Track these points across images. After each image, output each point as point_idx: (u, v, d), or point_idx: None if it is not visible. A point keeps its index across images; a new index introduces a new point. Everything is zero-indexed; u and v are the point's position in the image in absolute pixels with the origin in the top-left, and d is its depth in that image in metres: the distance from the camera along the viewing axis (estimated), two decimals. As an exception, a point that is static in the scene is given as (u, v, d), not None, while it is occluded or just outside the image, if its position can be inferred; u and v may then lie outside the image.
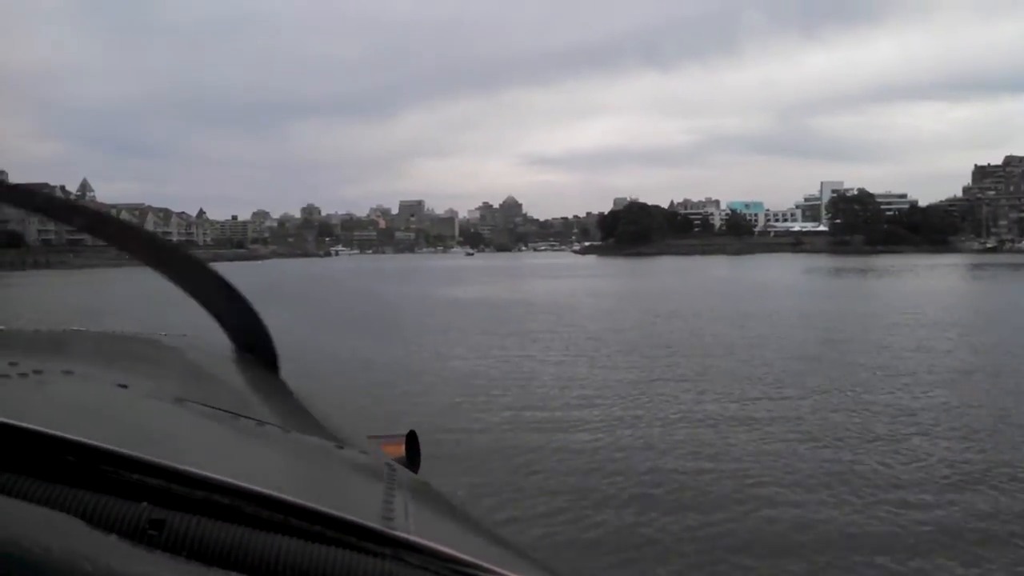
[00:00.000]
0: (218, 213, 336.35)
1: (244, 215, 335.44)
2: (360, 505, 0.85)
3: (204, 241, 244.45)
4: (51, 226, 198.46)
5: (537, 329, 35.56)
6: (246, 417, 1.23)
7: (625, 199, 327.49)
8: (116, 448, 0.75)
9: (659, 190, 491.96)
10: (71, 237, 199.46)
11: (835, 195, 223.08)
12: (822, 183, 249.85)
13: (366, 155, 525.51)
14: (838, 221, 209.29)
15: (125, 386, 1.18)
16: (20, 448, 0.74)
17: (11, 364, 1.11)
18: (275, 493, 0.74)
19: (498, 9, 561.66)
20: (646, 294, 57.97)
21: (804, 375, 22.80)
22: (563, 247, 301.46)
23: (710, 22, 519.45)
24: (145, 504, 0.71)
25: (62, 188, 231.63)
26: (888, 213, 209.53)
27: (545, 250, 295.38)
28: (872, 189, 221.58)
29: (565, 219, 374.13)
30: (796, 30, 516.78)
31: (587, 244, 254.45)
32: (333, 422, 1.67)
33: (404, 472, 1.25)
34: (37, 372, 1.10)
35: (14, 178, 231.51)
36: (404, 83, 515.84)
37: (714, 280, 77.07)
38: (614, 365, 25.57)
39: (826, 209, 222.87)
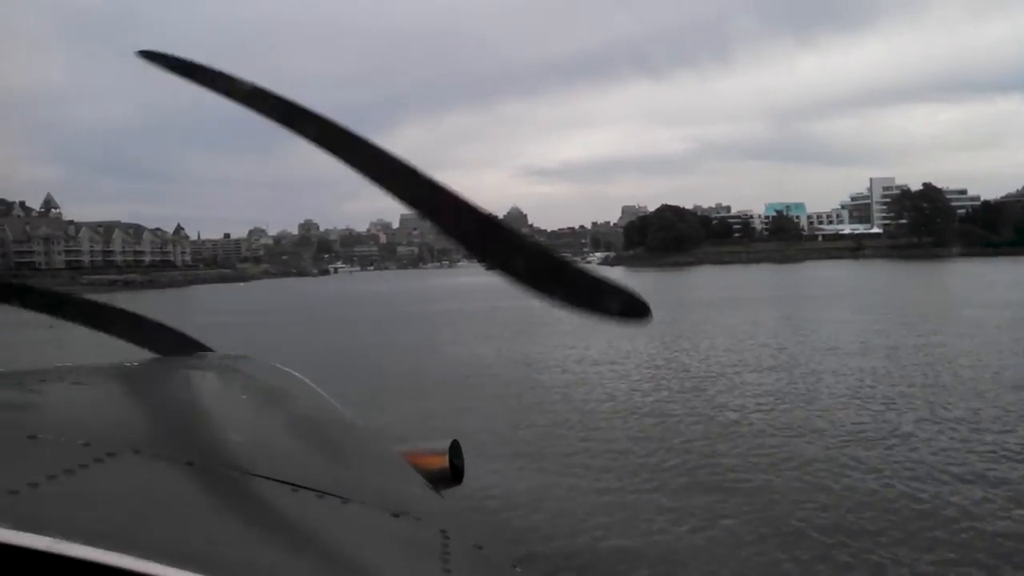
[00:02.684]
0: (214, 232, 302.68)
1: (240, 234, 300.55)
2: None
3: (182, 260, 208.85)
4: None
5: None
6: (305, 488, 1.26)
7: (633, 207, 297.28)
8: None
9: (659, 198, 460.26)
10: (19, 260, 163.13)
11: (896, 191, 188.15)
12: (872, 180, 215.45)
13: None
14: (902, 221, 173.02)
15: (191, 463, 1.21)
16: None
17: (85, 446, 1.12)
18: None
19: (493, 22, 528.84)
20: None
21: None
22: (575, 258, 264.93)
23: (702, 30, 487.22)
24: None
25: (22, 204, 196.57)
26: (960, 211, 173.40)
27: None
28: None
29: (573, 229, 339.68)
30: (789, 35, 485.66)
31: (611, 255, 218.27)
32: (375, 456, 1.76)
33: (456, 541, 1.28)
34: (110, 455, 1.11)
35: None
36: (400, 98, 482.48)
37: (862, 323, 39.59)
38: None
39: (888, 207, 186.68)
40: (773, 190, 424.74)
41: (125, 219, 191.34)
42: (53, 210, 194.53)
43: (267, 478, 1.26)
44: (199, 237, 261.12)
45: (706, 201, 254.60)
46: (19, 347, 30.78)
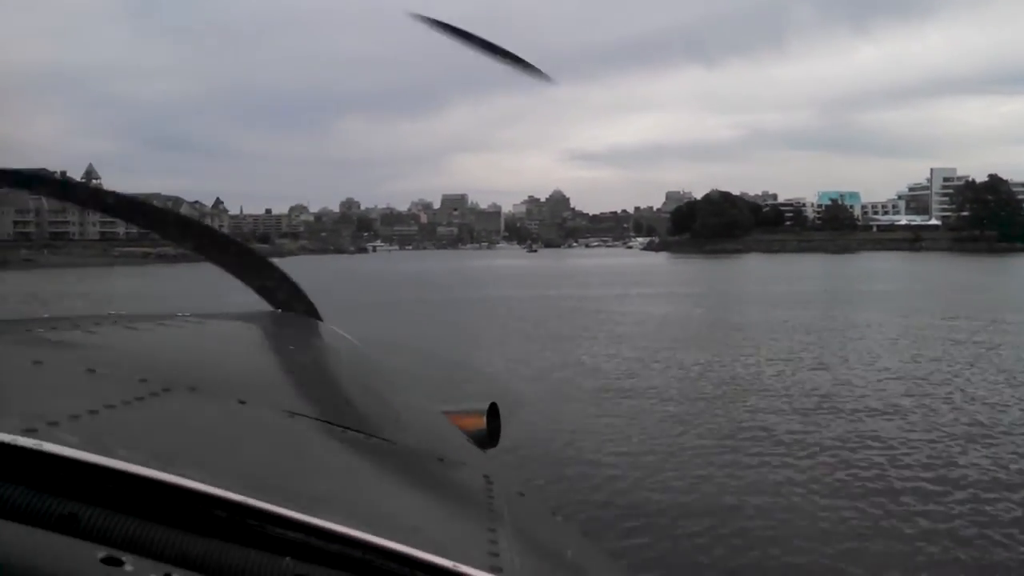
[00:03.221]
0: (256, 207, 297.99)
1: (282, 210, 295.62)
2: (469, 544, 0.95)
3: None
4: (31, 216, 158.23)
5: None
6: (354, 430, 1.28)
7: (678, 193, 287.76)
8: (260, 504, 0.77)
9: (704, 185, 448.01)
10: (54, 230, 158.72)
11: (957, 182, 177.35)
12: (932, 170, 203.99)
13: (408, 151, 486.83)
14: (964, 213, 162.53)
15: (244, 402, 1.23)
16: (172, 502, 0.77)
17: (142, 381, 1.13)
18: (396, 546, 0.77)
19: (543, 4, 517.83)
20: None
21: None
22: (616, 243, 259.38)
23: (757, 17, 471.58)
24: (288, 559, 0.74)
25: (62, 173, 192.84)
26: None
27: (597, 246, 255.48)
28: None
29: (615, 213, 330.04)
30: (845, 24, 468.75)
31: (655, 240, 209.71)
32: (419, 411, 1.82)
33: (500, 486, 1.28)
34: (167, 390, 1.13)
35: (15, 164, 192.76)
36: (447, 79, 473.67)
37: None
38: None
39: (951, 199, 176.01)
40: (821, 179, 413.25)
41: (173, 193, 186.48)
42: (94, 180, 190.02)
43: (318, 419, 1.28)
44: (241, 212, 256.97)
45: (752, 189, 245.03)
46: None
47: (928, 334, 28.55)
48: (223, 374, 1.52)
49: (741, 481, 11.75)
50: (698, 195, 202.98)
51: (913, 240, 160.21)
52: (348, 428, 1.29)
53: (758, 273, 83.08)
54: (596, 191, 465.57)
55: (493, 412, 2.30)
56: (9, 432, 0.79)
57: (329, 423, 1.28)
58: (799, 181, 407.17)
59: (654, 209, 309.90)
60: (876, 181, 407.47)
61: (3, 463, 0.77)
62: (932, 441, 14.04)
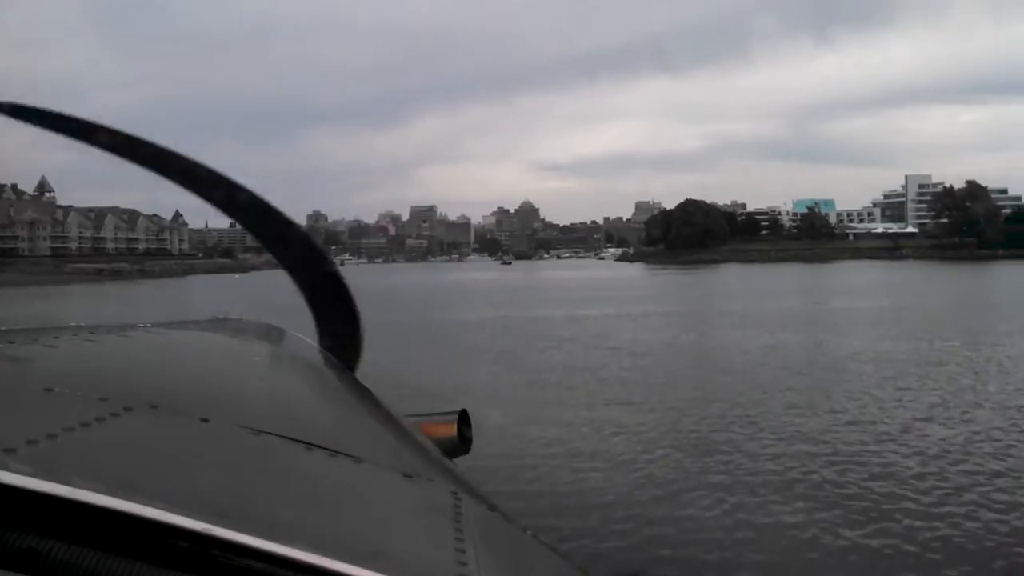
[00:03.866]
0: (221, 221, 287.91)
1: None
2: (437, 566, 0.93)
3: (179, 249, 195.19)
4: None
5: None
6: (320, 447, 1.26)
7: (648, 203, 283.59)
8: (224, 534, 0.76)
9: (673, 195, 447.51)
10: (2, 246, 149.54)
11: (934, 189, 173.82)
12: (907, 177, 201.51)
13: (376, 162, 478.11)
14: (942, 220, 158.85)
15: (206, 419, 1.20)
16: (136, 533, 0.75)
17: (101, 400, 1.11)
18: (363, 573, 0.77)
19: (511, 16, 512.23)
20: None
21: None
22: (588, 254, 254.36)
23: (722, 27, 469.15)
24: None
25: (13, 187, 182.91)
26: (1004, 211, 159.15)
27: (569, 257, 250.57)
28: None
29: (585, 224, 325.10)
30: (808, 34, 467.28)
31: (629, 250, 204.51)
32: (387, 421, 1.81)
33: (468, 502, 1.27)
34: (127, 409, 1.11)
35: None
36: (415, 90, 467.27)
37: None
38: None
39: (929, 206, 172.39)
40: (791, 188, 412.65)
41: (130, 206, 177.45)
42: (47, 193, 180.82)
43: (281, 436, 1.25)
44: (207, 226, 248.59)
45: (722, 199, 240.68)
46: None
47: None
48: (185, 389, 1.48)
49: None
50: (668, 205, 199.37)
51: (893, 248, 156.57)
52: (313, 445, 1.27)
53: (746, 287, 76.80)
54: (565, 202, 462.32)
55: (464, 418, 2.22)
56: None
57: (293, 440, 1.26)
58: (769, 190, 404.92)
59: (624, 219, 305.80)
60: (845, 189, 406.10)
61: None
62: None
